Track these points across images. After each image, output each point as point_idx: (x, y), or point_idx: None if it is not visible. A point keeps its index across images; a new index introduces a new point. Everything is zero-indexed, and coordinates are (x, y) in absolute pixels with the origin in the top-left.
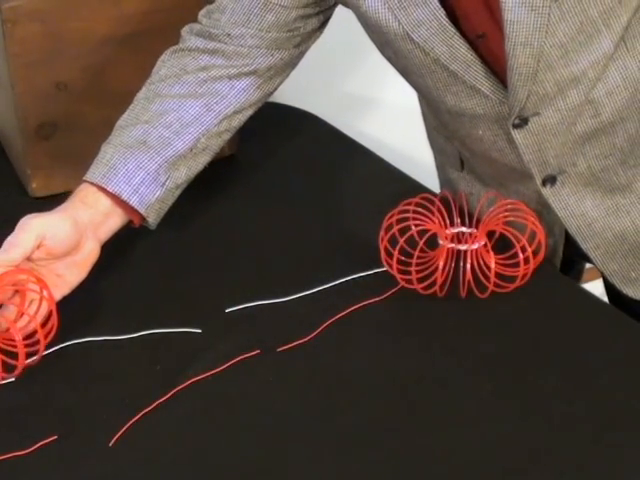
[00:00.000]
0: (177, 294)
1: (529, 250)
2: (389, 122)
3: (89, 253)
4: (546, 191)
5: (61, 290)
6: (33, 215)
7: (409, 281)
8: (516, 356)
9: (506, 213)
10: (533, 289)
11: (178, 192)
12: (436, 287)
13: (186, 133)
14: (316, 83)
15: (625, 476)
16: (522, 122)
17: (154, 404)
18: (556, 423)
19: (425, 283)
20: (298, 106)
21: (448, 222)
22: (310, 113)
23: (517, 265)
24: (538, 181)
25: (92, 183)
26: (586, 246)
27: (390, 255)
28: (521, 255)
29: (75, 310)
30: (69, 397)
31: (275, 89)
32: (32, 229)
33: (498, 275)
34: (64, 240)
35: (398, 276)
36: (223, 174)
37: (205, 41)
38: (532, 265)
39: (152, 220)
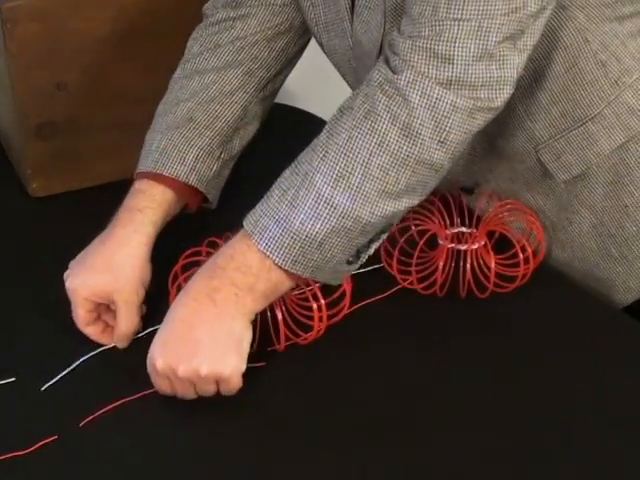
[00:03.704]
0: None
1: (529, 250)
2: None
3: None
4: (465, 198)
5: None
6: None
7: (409, 281)
8: (516, 356)
9: (506, 213)
10: (533, 289)
11: (232, 164)
12: (436, 287)
13: (232, 103)
14: (316, 83)
15: (625, 476)
16: None
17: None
18: (556, 423)
19: (425, 283)
20: (298, 106)
21: (448, 222)
22: (310, 113)
23: (517, 265)
24: (457, 187)
25: (147, 173)
26: None
27: (390, 255)
28: (521, 255)
29: None
30: (69, 397)
31: (308, 42)
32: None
33: (498, 275)
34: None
35: (398, 276)
36: None
37: (234, 10)
38: (532, 265)
39: (212, 197)
